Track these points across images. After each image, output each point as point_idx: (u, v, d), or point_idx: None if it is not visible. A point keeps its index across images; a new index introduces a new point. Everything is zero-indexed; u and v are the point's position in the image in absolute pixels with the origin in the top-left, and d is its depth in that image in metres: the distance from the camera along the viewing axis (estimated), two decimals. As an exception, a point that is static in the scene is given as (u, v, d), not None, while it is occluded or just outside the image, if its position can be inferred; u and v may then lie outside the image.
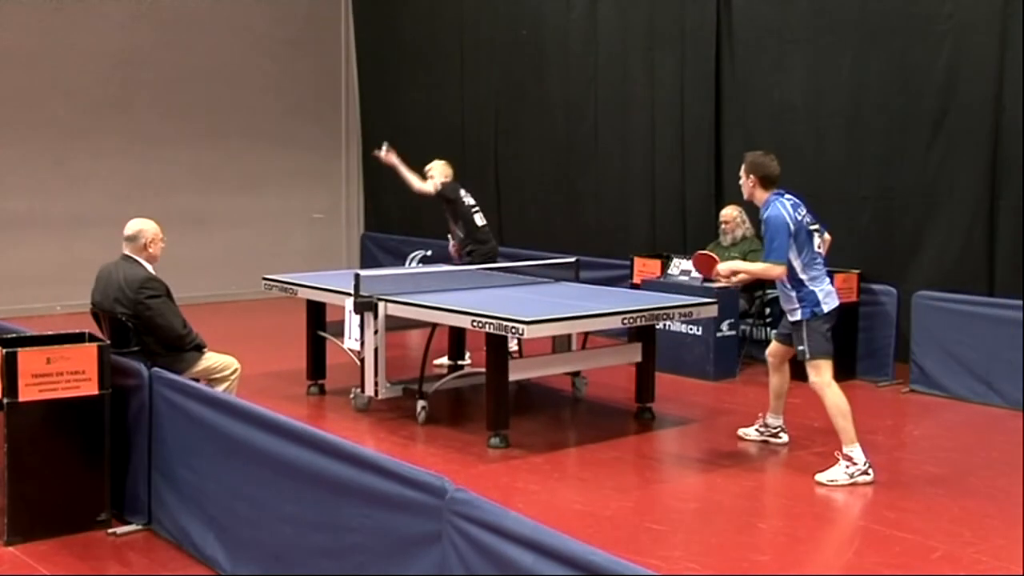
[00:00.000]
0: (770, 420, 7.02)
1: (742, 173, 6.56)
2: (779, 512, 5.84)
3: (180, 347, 6.24)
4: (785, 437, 6.98)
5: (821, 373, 6.31)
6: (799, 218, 6.35)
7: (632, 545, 5.26)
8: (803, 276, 6.32)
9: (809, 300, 6.33)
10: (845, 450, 6.24)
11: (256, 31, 13.16)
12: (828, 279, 6.50)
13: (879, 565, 5.03)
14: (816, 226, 6.45)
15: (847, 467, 6.20)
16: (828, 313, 6.35)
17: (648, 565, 4.65)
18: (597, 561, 2.99)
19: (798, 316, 6.37)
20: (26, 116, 11.76)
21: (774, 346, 6.90)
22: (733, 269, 6.75)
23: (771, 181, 6.48)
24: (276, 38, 13.31)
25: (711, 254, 7.06)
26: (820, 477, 6.24)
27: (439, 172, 8.91)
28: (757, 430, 7.05)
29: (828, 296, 6.39)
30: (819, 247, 6.43)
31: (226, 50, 12.93)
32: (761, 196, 6.47)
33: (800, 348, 6.37)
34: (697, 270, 7.25)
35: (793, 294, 6.36)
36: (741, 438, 7.06)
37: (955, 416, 7.89)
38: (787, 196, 6.47)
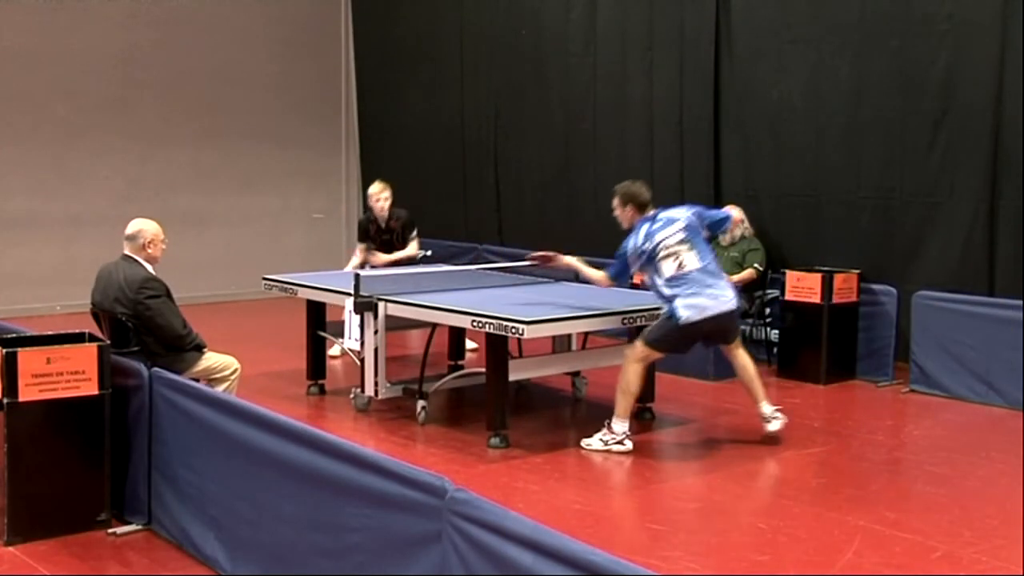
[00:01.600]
0: (760, 409, 7.10)
1: (616, 204, 7.04)
2: (779, 512, 5.83)
3: (180, 347, 6.24)
4: (772, 427, 7.01)
5: (636, 352, 6.87)
6: (646, 246, 6.80)
7: (632, 545, 5.26)
8: (664, 291, 6.82)
9: (669, 307, 6.83)
10: (611, 421, 6.80)
11: (256, 31, 13.15)
12: (701, 294, 6.76)
13: (879, 565, 5.03)
14: (676, 249, 6.75)
15: (603, 434, 6.79)
16: (683, 324, 6.74)
17: (648, 565, 4.64)
18: (597, 561, 2.99)
19: (663, 311, 6.90)
20: (26, 116, 11.76)
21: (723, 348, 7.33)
22: (570, 265, 7.37)
23: (644, 206, 6.98)
24: (276, 38, 13.31)
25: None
26: (583, 442, 6.83)
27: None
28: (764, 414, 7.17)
29: (690, 310, 6.73)
30: (680, 268, 6.75)
31: (226, 50, 12.92)
32: (636, 220, 6.95)
33: (648, 327, 6.93)
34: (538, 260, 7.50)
35: (659, 300, 6.91)
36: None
37: (955, 416, 7.89)
38: (659, 218, 6.92)
